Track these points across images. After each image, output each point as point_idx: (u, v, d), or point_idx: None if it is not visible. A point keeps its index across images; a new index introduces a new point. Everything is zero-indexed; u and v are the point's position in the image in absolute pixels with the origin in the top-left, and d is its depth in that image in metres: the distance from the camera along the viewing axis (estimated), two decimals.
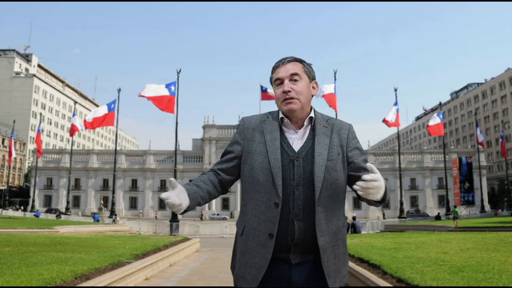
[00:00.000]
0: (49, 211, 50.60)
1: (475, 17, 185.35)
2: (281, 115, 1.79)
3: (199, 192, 1.70)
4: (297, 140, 1.75)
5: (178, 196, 1.60)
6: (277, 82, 1.78)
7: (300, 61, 1.82)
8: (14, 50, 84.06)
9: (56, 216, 38.58)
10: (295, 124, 1.78)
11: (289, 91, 1.73)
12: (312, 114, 1.79)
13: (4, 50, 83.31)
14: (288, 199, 1.66)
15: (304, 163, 1.70)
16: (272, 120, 1.80)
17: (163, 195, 1.56)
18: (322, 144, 1.73)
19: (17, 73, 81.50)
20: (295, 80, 1.75)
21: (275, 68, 1.81)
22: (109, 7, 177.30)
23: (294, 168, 1.69)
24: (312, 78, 1.82)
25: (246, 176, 1.76)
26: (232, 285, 1.79)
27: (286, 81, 1.75)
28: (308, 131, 1.77)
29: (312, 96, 1.81)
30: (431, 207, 59.32)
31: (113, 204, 36.99)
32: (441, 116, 36.12)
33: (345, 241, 1.77)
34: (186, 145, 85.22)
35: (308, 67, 1.82)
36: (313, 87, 1.81)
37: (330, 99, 26.54)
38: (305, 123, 1.77)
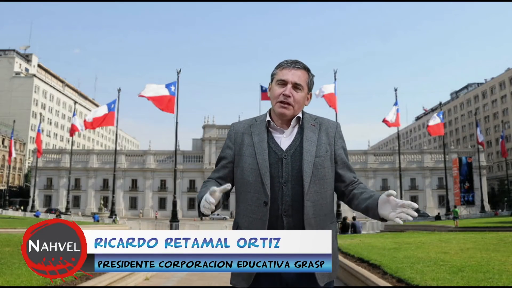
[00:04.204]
0: (49, 211, 50.52)
1: (475, 17, 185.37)
2: (268, 118, 1.85)
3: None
4: (284, 138, 1.81)
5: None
6: (280, 81, 1.81)
7: (308, 71, 1.86)
8: (14, 50, 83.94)
9: (56, 216, 38.55)
10: (282, 125, 1.84)
11: (289, 96, 1.78)
12: (299, 115, 1.84)
13: (4, 50, 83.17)
14: (276, 196, 1.73)
15: (292, 160, 1.76)
16: (260, 123, 1.86)
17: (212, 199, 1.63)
18: (310, 141, 1.79)
19: (17, 73, 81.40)
20: (298, 88, 1.80)
21: (283, 68, 1.83)
22: (109, 7, 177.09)
23: (283, 165, 1.75)
24: (310, 89, 1.87)
25: (238, 178, 1.83)
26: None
27: (289, 86, 1.79)
28: (295, 130, 1.83)
29: (304, 105, 1.87)
30: (431, 207, 59.29)
31: (113, 204, 36.98)
32: (441, 116, 36.13)
33: (334, 237, 1.79)
34: (186, 145, 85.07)
35: (311, 79, 1.87)
36: (307, 98, 1.87)
37: (330, 99, 26.55)
38: (292, 123, 1.82)
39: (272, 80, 1.87)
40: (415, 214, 1.60)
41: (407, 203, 1.59)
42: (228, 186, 1.67)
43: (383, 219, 1.69)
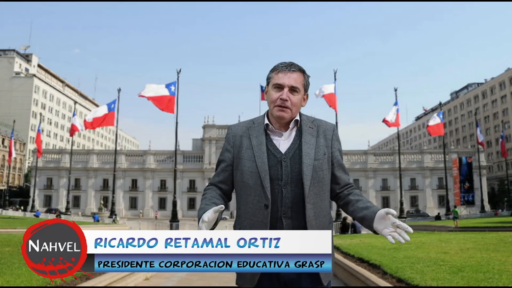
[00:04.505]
0: (49, 211, 50.51)
1: (475, 17, 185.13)
2: (266, 121, 1.86)
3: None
4: (283, 141, 1.83)
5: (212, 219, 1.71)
6: (276, 85, 1.82)
7: (304, 72, 1.86)
8: (14, 50, 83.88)
9: (56, 216, 38.53)
10: (280, 127, 1.85)
11: (286, 100, 1.79)
12: (297, 117, 1.86)
13: (4, 50, 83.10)
14: (276, 198, 1.75)
15: (291, 163, 1.78)
16: (258, 125, 1.88)
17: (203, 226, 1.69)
18: (309, 144, 1.82)
19: (17, 73, 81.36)
20: (294, 91, 1.81)
21: (278, 71, 1.83)
22: (109, 7, 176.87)
23: (282, 168, 1.78)
24: (306, 90, 1.88)
25: (238, 181, 1.85)
26: (232, 284, 1.82)
27: (286, 90, 1.80)
28: (294, 132, 1.85)
29: (301, 106, 1.88)
30: (431, 207, 59.28)
31: (113, 204, 36.96)
32: (441, 116, 36.12)
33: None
34: (186, 145, 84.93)
35: (307, 80, 1.88)
36: (304, 99, 1.88)
37: (330, 99, 26.53)
38: (291, 126, 1.85)
39: (268, 83, 1.88)
40: (408, 238, 1.62)
41: (403, 226, 1.61)
42: (221, 207, 1.70)
43: (375, 232, 1.72)
